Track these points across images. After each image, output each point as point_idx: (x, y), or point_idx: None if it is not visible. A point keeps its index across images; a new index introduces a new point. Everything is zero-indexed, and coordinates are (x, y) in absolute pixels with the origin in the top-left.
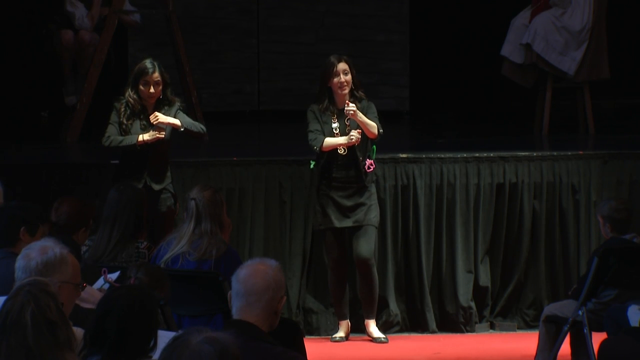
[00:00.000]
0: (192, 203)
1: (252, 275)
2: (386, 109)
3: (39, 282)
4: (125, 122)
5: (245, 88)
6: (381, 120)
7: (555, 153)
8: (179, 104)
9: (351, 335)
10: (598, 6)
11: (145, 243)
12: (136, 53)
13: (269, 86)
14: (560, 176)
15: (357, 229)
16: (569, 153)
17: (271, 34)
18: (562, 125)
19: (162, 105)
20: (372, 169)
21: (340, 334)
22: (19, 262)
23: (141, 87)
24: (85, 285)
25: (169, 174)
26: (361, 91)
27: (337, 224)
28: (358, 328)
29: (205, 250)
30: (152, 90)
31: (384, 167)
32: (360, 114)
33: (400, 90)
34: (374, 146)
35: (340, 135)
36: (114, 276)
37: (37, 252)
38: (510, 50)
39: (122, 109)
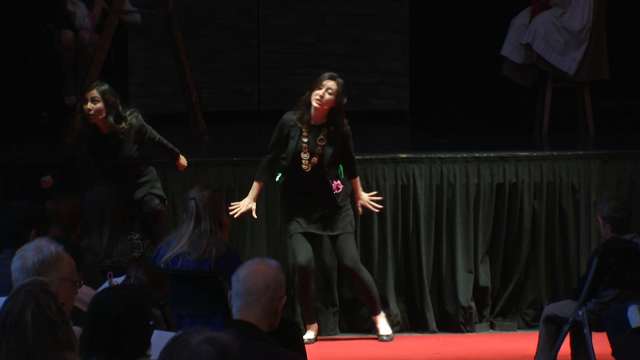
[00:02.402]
0: (192, 203)
1: (252, 275)
2: (386, 109)
3: (39, 282)
4: (83, 148)
5: (245, 88)
6: (381, 120)
7: (555, 153)
8: (136, 122)
9: (350, 335)
10: (598, 6)
11: (138, 235)
12: (136, 53)
13: (269, 86)
14: (560, 176)
15: (334, 238)
16: (569, 153)
17: (271, 34)
18: (562, 125)
19: (116, 129)
20: (340, 190)
21: (309, 335)
22: (16, 263)
23: (83, 105)
24: (82, 283)
25: (147, 179)
26: (343, 120)
27: (305, 228)
28: (358, 328)
29: (205, 250)
30: (88, 105)
31: (384, 167)
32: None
33: (400, 90)
34: (341, 166)
35: (308, 152)
36: (119, 280)
37: (32, 252)
38: (510, 50)
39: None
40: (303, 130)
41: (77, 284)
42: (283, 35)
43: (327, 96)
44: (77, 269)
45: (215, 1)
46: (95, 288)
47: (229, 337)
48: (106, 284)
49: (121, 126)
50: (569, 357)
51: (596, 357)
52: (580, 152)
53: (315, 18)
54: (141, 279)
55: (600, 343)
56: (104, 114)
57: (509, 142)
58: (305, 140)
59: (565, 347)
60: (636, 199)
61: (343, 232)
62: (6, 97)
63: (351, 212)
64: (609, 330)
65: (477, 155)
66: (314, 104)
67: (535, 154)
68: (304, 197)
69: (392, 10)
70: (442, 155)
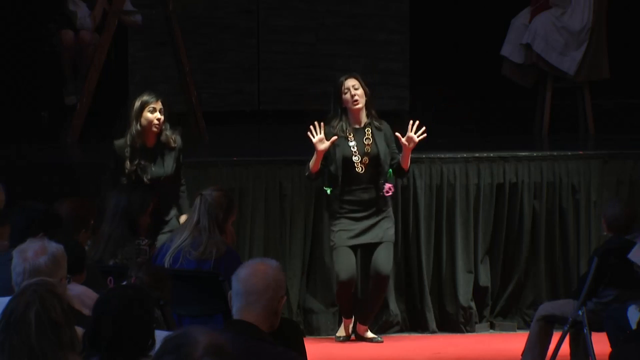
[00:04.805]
0: (198, 199)
1: (252, 275)
2: (386, 109)
3: (45, 283)
4: (128, 167)
5: (245, 88)
6: (382, 120)
7: (555, 153)
8: (179, 146)
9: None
10: (598, 6)
11: (146, 240)
12: (136, 53)
13: (269, 86)
14: (560, 176)
15: (376, 245)
16: (569, 153)
17: (271, 34)
18: (562, 125)
19: (162, 146)
20: (390, 193)
21: (343, 332)
22: (19, 266)
23: (147, 114)
24: (70, 279)
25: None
26: (374, 111)
27: (352, 242)
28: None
29: (205, 249)
30: (157, 115)
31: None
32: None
33: (400, 90)
34: (390, 170)
35: (358, 154)
36: None
37: (34, 252)
38: (510, 50)
39: (125, 151)
40: (348, 135)
41: (68, 279)
42: (283, 35)
43: (357, 92)
44: (80, 270)
45: (215, 1)
46: (96, 288)
47: (227, 339)
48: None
49: (173, 139)
50: (569, 357)
51: (596, 357)
52: (580, 152)
53: (315, 18)
54: (142, 278)
55: (601, 343)
56: (162, 127)
57: (509, 142)
58: (352, 143)
59: (566, 347)
60: (636, 199)
61: (386, 240)
62: (6, 97)
63: (393, 218)
64: (609, 330)
65: (477, 155)
66: (353, 106)
67: (535, 154)
68: (355, 206)
69: (392, 10)
70: (442, 155)
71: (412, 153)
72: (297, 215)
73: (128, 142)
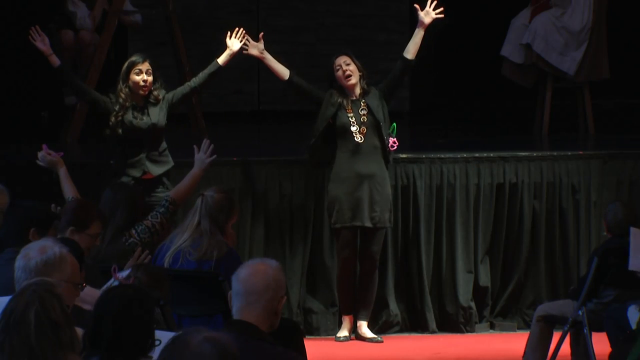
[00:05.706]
0: (199, 200)
1: (252, 275)
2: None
3: (45, 283)
4: (112, 120)
5: (245, 88)
6: None
7: (555, 153)
8: (164, 92)
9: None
10: (598, 6)
11: (131, 239)
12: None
13: (269, 86)
14: (560, 176)
15: (370, 229)
16: (569, 153)
17: (271, 34)
18: (562, 125)
19: (150, 102)
20: (395, 148)
21: (344, 332)
22: (19, 262)
23: (134, 77)
24: (85, 286)
25: (168, 159)
26: (366, 86)
27: (352, 222)
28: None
29: (206, 250)
30: (144, 77)
31: None
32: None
33: (401, 90)
34: (394, 124)
35: (356, 124)
36: (124, 274)
37: (36, 252)
38: (510, 50)
39: (114, 101)
40: (346, 107)
41: (80, 286)
42: (283, 35)
43: (349, 68)
44: (79, 269)
45: (215, 1)
46: (93, 287)
47: (229, 337)
48: (111, 280)
49: (160, 97)
50: (569, 357)
51: (596, 357)
52: (580, 152)
53: (315, 18)
54: (141, 278)
55: (601, 343)
56: (151, 87)
57: (509, 142)
58: (350, 114)
59: (566, 347)
60: (636, 199)
61: (381, 226)
62: (6, 97)
63: (390, 197)
64: (609, 330)
65: (477, 155)
66: (347, 82)
67: (535, 154)
68: (355, 180)
69: (392, 10)
70: (442, 155)
71: (411, 153)
72: (297, 215)
73: (119, 100)
